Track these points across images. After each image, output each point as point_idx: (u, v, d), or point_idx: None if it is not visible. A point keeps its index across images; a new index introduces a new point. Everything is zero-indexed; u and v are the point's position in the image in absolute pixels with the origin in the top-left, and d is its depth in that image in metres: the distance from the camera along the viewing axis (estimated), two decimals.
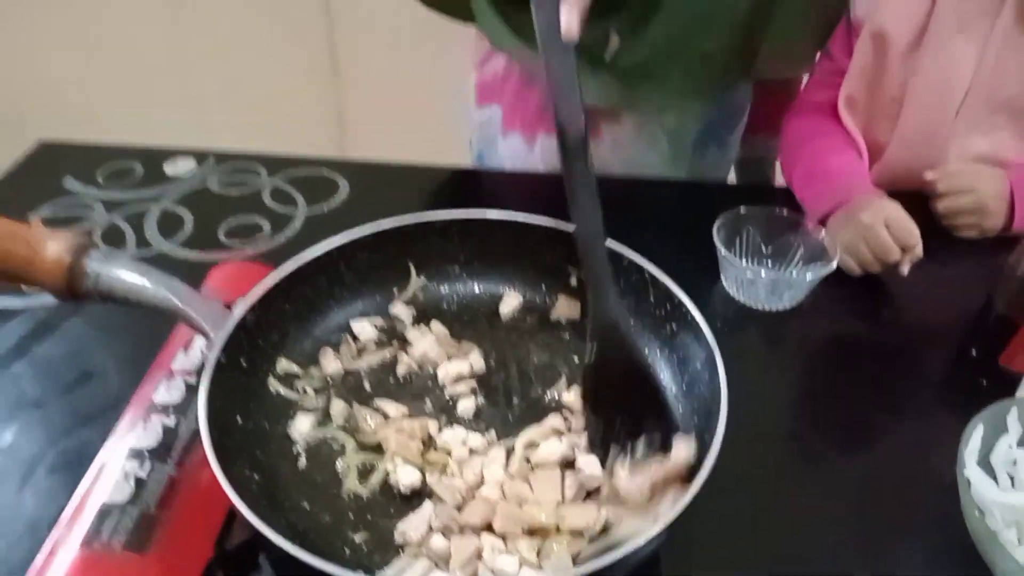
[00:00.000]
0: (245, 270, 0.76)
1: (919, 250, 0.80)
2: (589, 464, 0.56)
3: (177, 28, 1.86)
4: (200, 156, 1.05)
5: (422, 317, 0.69)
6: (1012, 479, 0.59)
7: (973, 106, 0.89)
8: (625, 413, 0.56)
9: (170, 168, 1.02)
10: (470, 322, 0.70)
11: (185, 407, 0.60)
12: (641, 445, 0.55)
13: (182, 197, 0.97)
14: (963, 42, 0.87)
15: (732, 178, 1.22)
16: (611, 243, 0.65)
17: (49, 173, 1.00)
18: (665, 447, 0.54)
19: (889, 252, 0.80)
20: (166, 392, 0.61)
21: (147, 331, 0.70)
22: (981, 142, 0.92)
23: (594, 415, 0.58)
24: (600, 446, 0.57)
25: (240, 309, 0.58)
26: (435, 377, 0.64)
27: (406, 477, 0.55)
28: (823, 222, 0.86)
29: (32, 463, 0.64)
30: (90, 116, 1.43)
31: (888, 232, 0.80)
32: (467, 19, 0.94)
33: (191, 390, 0.62)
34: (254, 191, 0.99)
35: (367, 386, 0.64)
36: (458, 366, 0.64)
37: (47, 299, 0.80)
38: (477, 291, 0.72)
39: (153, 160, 1.03)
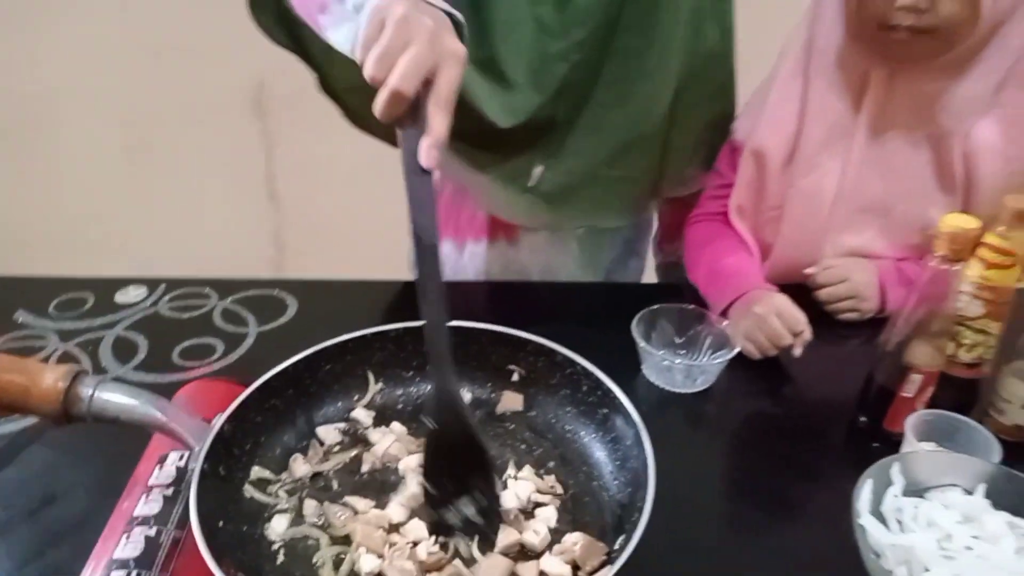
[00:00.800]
0: (210, 387, 0.81)
1: (807, 334, 0.91)
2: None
3: (123, 162, 1.94)
4: (151, 283, 1.10)
5: (381, 419, 0.76)
6: (900, 524, 0.68)
7: (841, 210, 1.03)
8: (457, 478, 0.64)
9: (121, 296, 1.07)
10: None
11: (164, 517, 0.64)
12: (470, 505, 0.63)
13: (134, 323, 1.02)
14: (828, 158, 1.01)
15: (654, 278, 1.35)
16: (549, 342, 0.75)
17: (0, 307, 1.03)
18: (488, 515, 0.64)
19: (781, 338, 0.91)
20: (145, 505, 0.65)
21: (106, 451, 0.74)
22: (852, 239, 1.05)
23: (429, 481, 0.65)
24: (433, 508, 0.65)
25: (218, 421, 0.64)
26: (397, 471, 0.70)
27: (367, 564, 0.62)
28: (725, 314, 0.98)
29: None
30: (39, 251, 1.47)
31: (779, 320, 0.91)
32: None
33: (168, 501, 0.66)
34: (205, 313, 1.04)
35: (335, 485, 0.70)
36: (419, 458, 0.70)
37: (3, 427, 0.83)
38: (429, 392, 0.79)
39: (104, 289, 1.08)
